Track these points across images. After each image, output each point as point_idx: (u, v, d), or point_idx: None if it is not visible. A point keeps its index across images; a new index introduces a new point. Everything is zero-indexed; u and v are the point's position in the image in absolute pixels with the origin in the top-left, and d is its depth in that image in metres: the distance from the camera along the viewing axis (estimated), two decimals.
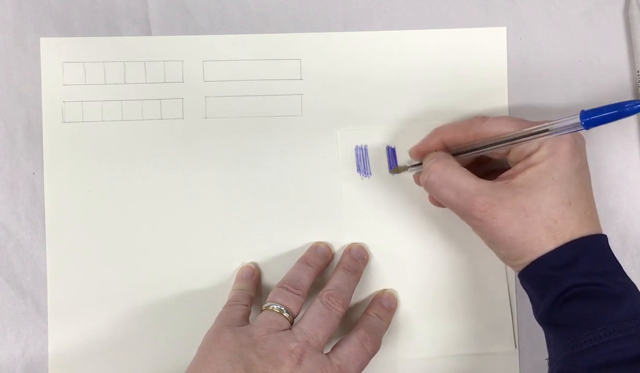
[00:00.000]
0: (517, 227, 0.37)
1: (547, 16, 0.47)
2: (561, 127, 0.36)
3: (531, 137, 0.37)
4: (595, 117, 0.35)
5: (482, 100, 0.46)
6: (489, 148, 0.40)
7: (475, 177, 0.39)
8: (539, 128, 0.37)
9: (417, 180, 0.44)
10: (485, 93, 0.46)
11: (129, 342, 0.46)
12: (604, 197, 0.47)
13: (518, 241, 0.37)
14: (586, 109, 0.35)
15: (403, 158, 0.45)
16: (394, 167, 0.46)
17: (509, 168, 0.40)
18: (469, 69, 0.46)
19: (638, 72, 0.46)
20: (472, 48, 0.46)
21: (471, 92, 0.46)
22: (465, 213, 0.39)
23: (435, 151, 0.42)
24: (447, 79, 0.46)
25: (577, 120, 0.35)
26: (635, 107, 0.34)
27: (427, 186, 0.40)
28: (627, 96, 0.47)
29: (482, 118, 0.40)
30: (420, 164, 0.43)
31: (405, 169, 0.45)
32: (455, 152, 0.42)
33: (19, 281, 0.45)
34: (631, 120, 0.47)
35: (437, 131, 0.42)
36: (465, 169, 0.39)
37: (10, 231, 0.45)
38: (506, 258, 0.39)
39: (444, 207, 0.43)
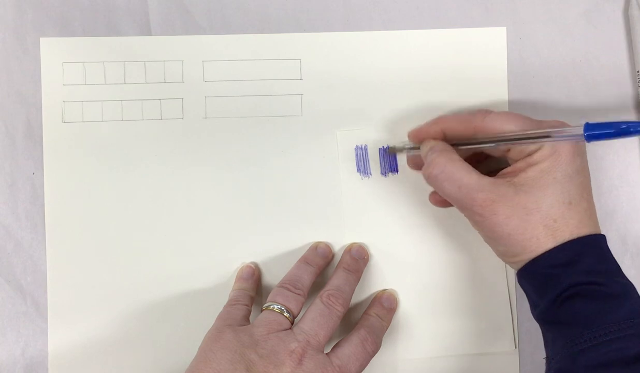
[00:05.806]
0: (516, 223, 0.37)
1: (547, 16, 0.47)
2: (563, 136, 0.37)
3: (532, 140, 0.37)
4: (598, 132, 0.35)
5: (482, 100, 0.46)
6: (488, 145, 0.40)
7: (477, 172, 0.39)
8: (540, 133, 0.37)
9: (410, 164, 0.44)
10: (485, 93, 0.46)
11: (129, 342, 0.45)
12: (604, 198, 0.47)
13: (516, 238, 0.37)
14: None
15: (402, 160, 0.45)
16: (392, 168, 0.46)
17: (508, 165, 0.40)
18: (469, 69, 0.46)
19: (638, 72, 0.46)
20: (472, 48, 0.46)
21: (471, 92, 0.46)
22: (466, 207, 0.39)
23: (434, 139, 0.41)
24: (447, 79, 0.46)
25: (581, 131, 0.35)
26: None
27: (429, 179, 0.40)
28: (627, 96, 0.46)
29: (485, 112, 0.40)
30: (417, 147, 0.42)
31: (401, 150, 0.45)
32: (454, 142, 0.41)
33: (19, 281, 0.45)
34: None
35: (439, 119, 0.42)
36: (467, 164, 0.39)
37: (10, 231, 0.45)
38: (504, 255, 0.39)
39: (443, 207, 0.43)
